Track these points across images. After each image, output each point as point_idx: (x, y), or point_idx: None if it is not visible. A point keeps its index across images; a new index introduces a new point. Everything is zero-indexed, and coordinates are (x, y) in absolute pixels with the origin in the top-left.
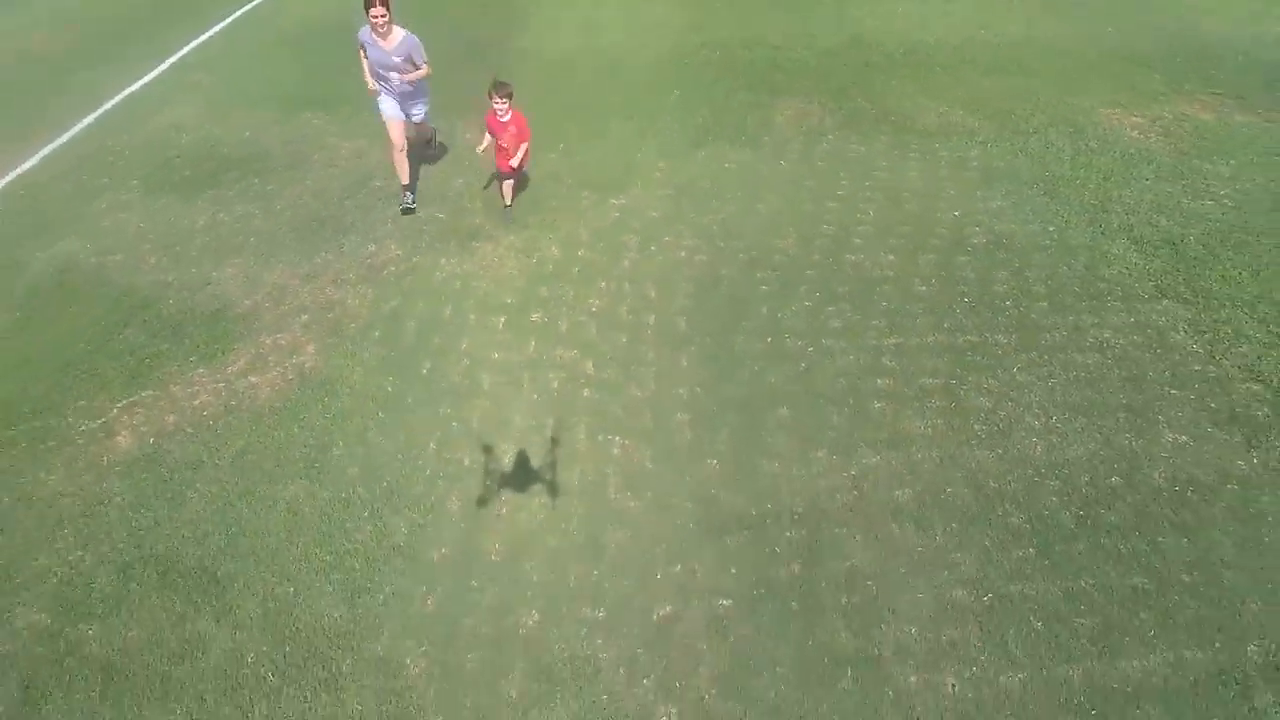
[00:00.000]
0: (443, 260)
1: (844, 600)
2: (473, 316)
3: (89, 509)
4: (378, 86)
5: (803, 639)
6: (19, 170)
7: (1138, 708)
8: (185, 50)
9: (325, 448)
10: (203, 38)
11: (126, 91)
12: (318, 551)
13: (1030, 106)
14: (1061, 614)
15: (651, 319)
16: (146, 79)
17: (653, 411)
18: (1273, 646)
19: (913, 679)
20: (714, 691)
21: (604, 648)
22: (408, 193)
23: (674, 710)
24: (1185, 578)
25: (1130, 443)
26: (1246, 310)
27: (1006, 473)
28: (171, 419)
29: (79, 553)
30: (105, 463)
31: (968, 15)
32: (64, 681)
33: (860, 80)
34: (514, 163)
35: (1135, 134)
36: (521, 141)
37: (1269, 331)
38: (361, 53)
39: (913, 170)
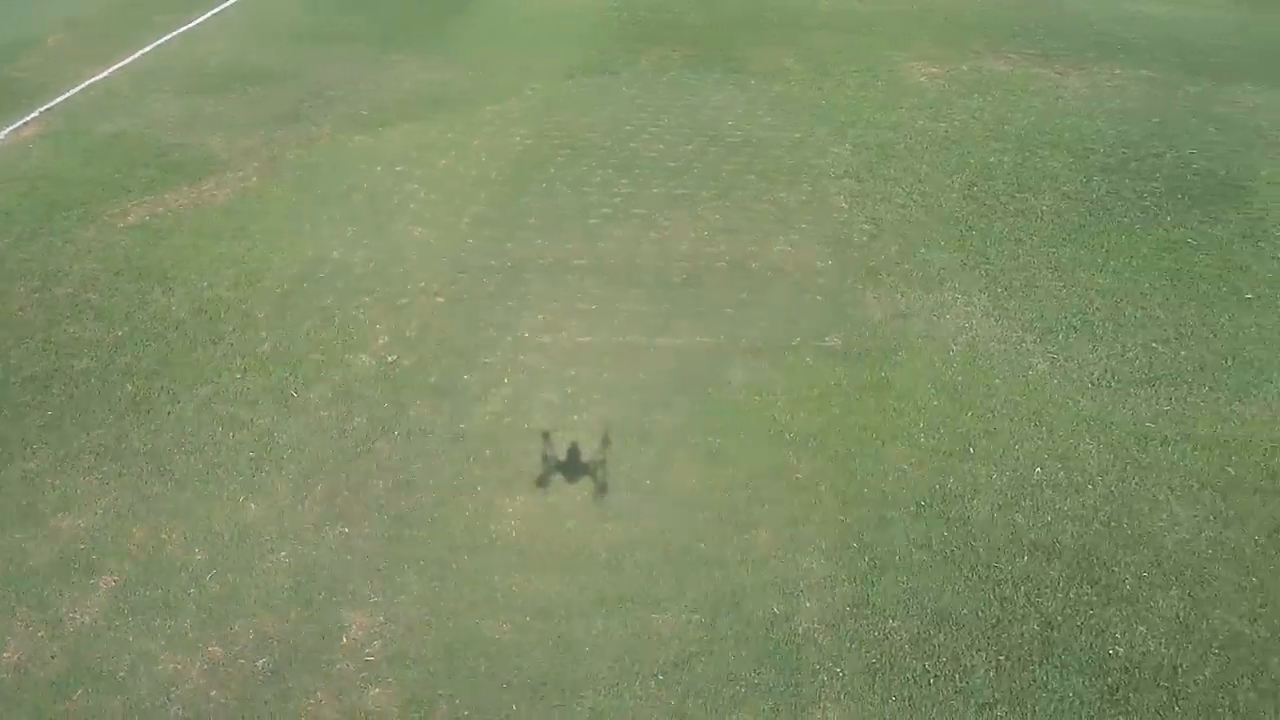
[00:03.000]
0: (357, 137)
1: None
2: (363, 166)
3: (107, 246)
4: None
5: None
6: (96, 78)
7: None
8: (229, 2)
9: (256, 217)
10: None
11: (183, 28)
12: (254, 251)
13: (848, 57)
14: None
15: (473, 172)
16: (198, 20)
17: (461, 202)
18: (821, 330)
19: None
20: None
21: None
22: None
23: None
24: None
25: (751, 250)
26: (903, 187)
27: (666, 255)
28: (161, 209)
29: (94, 266)
30: (120, 226)
31: None
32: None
33: (726, 37)
34: None
35: (922, 79)
36: None
37: (910, 199)
38: None
39: (720, 96)
